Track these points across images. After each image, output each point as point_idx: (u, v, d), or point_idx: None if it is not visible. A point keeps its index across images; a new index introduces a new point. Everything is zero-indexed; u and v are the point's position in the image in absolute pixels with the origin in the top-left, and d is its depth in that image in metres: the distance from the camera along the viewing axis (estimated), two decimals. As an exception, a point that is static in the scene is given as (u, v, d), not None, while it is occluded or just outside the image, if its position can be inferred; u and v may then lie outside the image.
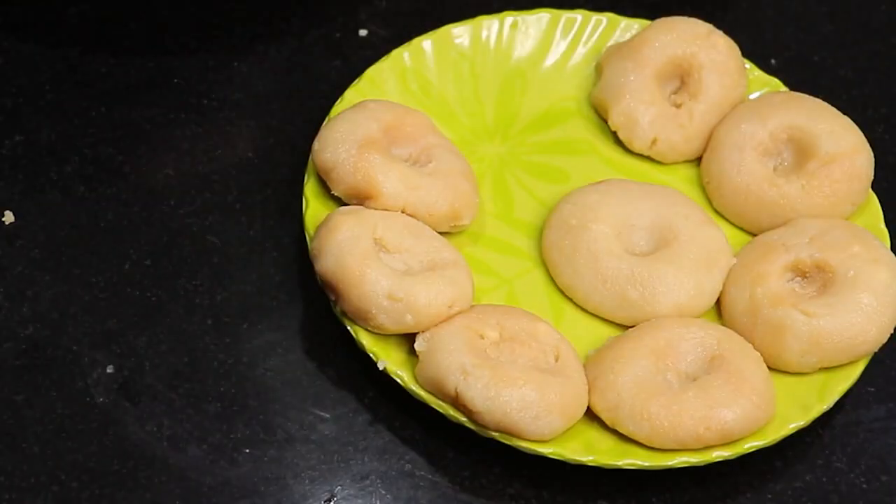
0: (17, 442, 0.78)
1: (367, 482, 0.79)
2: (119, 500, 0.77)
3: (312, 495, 0.78)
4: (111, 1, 0.95)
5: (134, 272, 0.85)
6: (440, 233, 0.84)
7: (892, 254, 0.84)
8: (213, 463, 0.78)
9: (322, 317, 0.83)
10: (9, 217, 0.86)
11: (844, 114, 0.89)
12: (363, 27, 0.97)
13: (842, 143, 0.87)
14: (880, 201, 0.88)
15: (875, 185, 0.89)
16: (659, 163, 0.91)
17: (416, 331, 0.79)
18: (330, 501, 0.78)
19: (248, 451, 0.79)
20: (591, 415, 0.79)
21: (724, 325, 0.84)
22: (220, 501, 0.77)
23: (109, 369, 0.81)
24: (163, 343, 0.82)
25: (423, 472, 0.79)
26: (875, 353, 0.82)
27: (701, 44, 0.91)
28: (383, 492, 0.79)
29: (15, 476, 0.77)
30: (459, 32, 0.92)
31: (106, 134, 0.90)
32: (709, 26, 0.92)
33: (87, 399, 0.80)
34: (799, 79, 0.97)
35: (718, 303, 0.85)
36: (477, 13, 0.93)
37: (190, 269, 0.85)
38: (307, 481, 0.79)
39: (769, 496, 0.80)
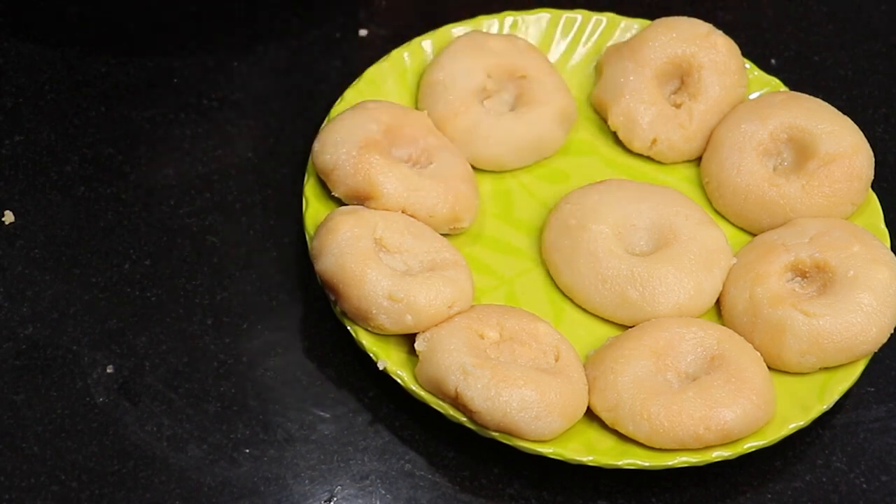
0: (17, 442, 0.78)
1: (367, 482, 0.79)
2: (119, 500, 0.77)
3: (312, 495, 0.78)
4: (111, 1, 0.95)
5: (134, 272, 0.85)
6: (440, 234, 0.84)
7: (892, 254, 0.84)
8: (213, 463, 0.78)
9: (322, 317, 0.83)
10: (9, 217, 0.86)
11: (844, 114, 0.89)
12: (363, 27, 0.97)
13: (842, 143, 0.87)
14: (880, 201, 0.88)
15: (875, 185, 0.89)
16: (659, 163, 0.91)
17: (416, 331, 0.79)
18: (330, 501, 0.78)
19: (248, 451, 0.79)
20: (591, 415, 0.79)
21: (724, 325, 0.84)
22: (220, 501, 0.77)
23: (109, 369, 0.81)
24: (163, 343, 0.82)
25: (423, 472, 0.79)
26: (875, 353, 0.82)
27: (701, 44, 0.91)
28: (383, 492, 0.79)
29: (15, 476, 0.77)
30: (459, 32, 0.92)
31: (106, 134, 0.90)
32: (709, 26, 0.92)
33: (87, 399, 0.80)
34: (799, 79, 0.97)
35: (718, 303, 0.85)
36: (477, 13, 0.93)
37: (190, 269, 0.85)
38: (307, 481, 0.79)
39: (769, 496, 0.80)
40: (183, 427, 0.79)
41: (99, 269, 0.85)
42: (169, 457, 0.78)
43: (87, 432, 0.79)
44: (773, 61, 0.99)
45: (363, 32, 0.97)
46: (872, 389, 0.85)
